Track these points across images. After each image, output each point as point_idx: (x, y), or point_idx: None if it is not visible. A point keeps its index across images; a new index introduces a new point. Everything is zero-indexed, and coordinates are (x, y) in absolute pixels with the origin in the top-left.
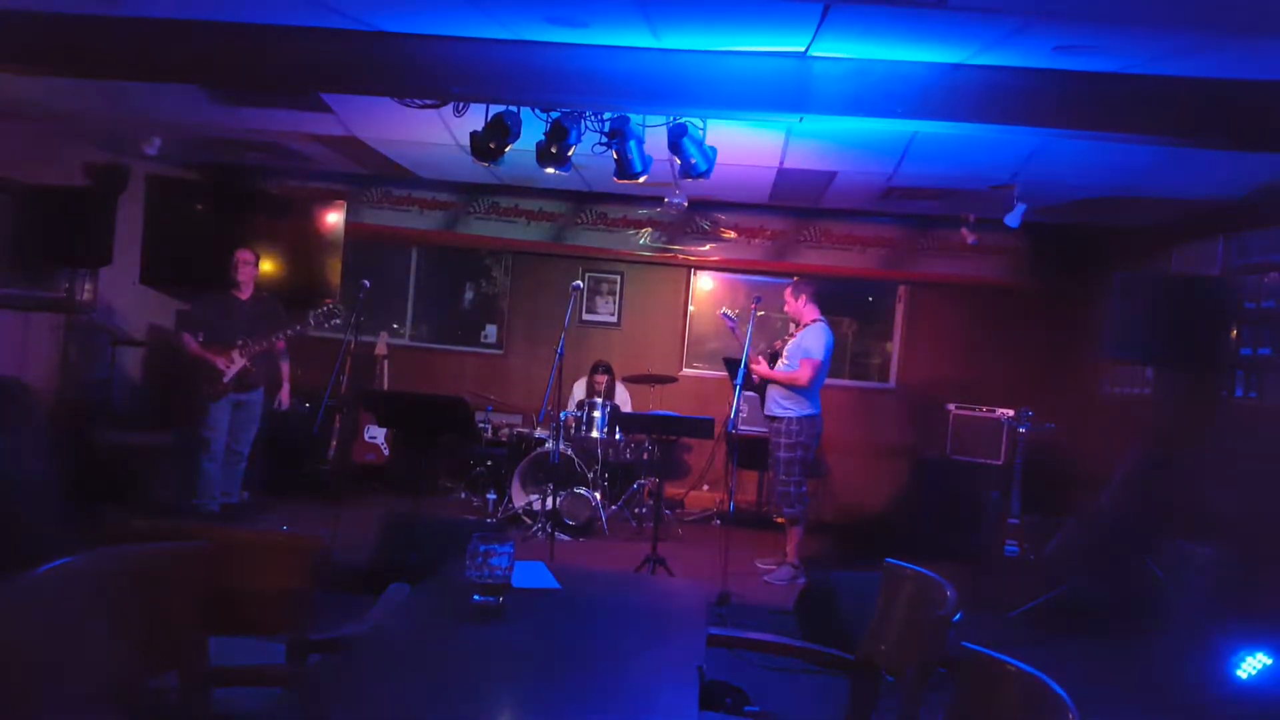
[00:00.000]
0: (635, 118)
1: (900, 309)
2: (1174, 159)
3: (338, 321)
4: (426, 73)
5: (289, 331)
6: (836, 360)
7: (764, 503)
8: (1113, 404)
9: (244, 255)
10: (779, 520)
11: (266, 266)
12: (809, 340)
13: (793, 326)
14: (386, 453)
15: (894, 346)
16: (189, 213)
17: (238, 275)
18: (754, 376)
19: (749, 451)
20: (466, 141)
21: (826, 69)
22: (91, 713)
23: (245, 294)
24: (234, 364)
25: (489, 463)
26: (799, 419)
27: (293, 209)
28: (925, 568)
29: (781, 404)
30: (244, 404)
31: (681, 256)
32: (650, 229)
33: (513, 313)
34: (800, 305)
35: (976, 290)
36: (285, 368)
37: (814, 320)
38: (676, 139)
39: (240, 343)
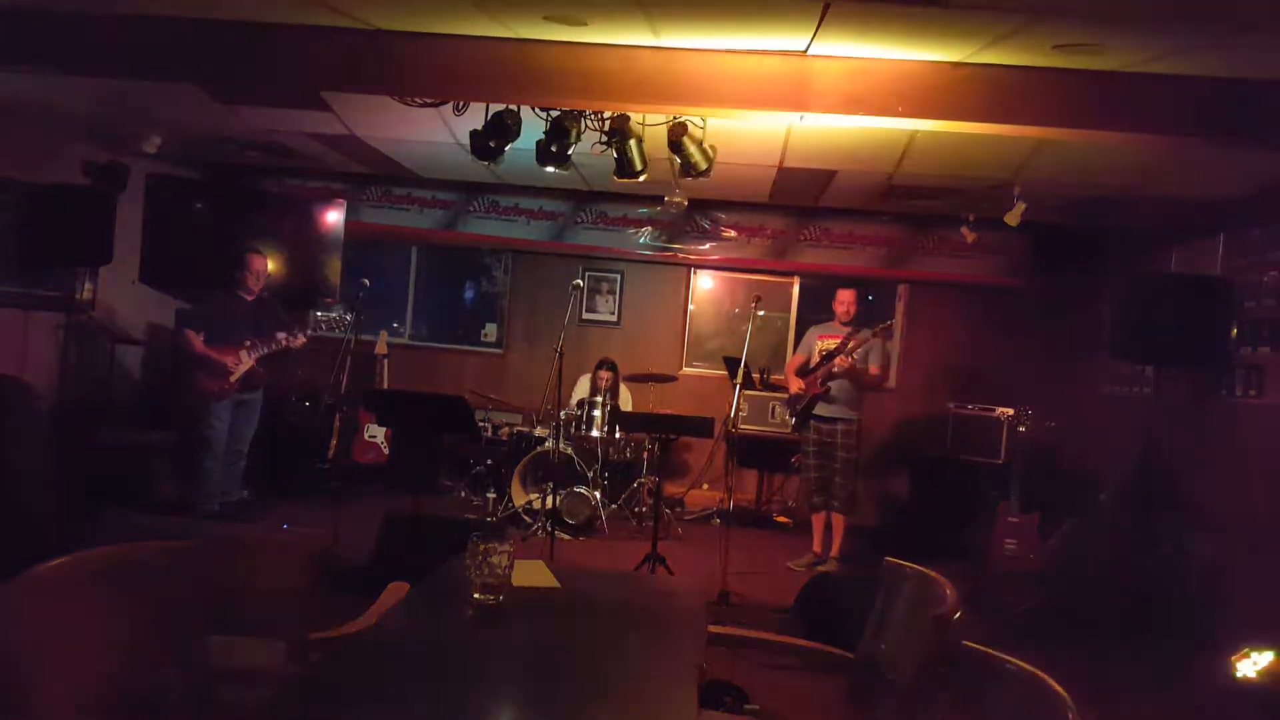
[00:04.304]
0: (635, 117)
1: (900, 308)
2: (1174, 159)
3: (347, 320)
4: (426, 73)
5: (300, 335)
6: None
7: (765, 502)
8: (1113, 404)
9: (254, 257)
10: (780, 519)
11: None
12: (882, 348)
13: (823, 326)
14: (386, 452)
15: (894, 346)
16: (189, 212)
17: (246, 277)
18: (821, 378)
19: (749, 450)
20: (466, 140)
21: (826, 68)
22: (92, 713)
23: (250, 295)
24: (241, 364)
25: (489, 461)
26: (858, 421)
27: (293, 208)
28: (925, 567)
29: (850, 407)
30: (246, 403)
31: (681, 255)
32: (650, 228)
33: (512, 312)
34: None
35: (976, 290)
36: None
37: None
38: (676, 139)
39: (248, 343)
